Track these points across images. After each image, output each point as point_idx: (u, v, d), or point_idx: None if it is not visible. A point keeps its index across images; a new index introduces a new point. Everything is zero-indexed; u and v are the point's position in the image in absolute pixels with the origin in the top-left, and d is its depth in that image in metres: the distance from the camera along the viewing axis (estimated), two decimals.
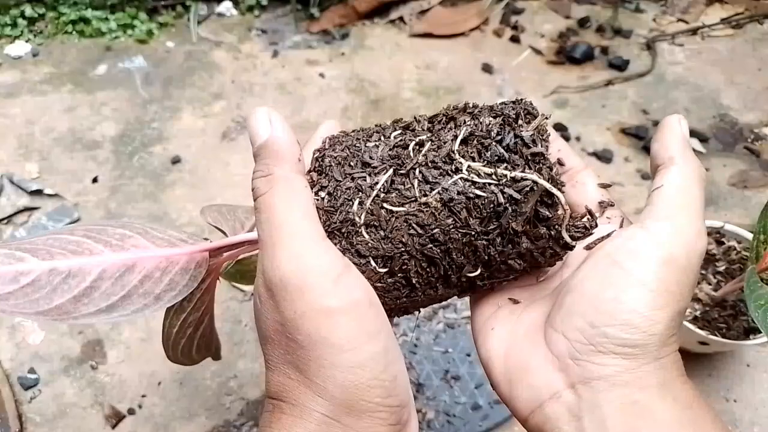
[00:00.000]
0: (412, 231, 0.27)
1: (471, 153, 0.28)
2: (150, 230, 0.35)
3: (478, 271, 0.29)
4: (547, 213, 0.28)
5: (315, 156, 0.31)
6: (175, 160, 1.07)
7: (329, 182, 0.29)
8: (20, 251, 0.31)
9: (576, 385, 0.26)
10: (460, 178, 0.27)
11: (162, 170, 1.06)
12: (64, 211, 0.98)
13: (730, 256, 0.75)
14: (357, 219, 0.28)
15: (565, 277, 0.31)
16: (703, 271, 0.75)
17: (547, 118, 0.29)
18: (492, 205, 0.27)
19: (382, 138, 0.31)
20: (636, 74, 1.25)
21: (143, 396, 0.78)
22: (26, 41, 1.30)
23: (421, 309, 0.32)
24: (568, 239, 0.29)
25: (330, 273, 0.25)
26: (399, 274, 0.28)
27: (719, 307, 0.72)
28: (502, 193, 0.26)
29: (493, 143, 0.27)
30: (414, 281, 0.29)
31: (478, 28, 1.37)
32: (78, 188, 1.03)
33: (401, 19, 1.38)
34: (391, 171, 0.28)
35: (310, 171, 0.31)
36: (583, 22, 1.38)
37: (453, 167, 0.27)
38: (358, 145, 0.30)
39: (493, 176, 0.27)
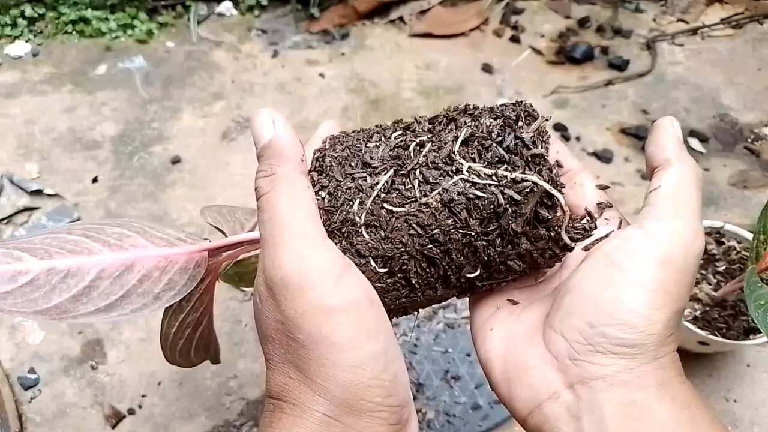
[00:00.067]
0: (412, 231, 0.27)
1: (471, 154, 0.28)
2: (149, 229, 0.35)
3: (478, 272, 0.29)
4: (547, 214, 0.28)
5: (315, 156, 0.31)
6: (175, 160, 1.07)
7: (330, 182, 0.29)
8: (18, 250, 0.31)
9: (575, 385, 0.26)
10: (461, 179, 0.27)
11: (162, 170, 1.06)
12: (64, 211, 0.98)
13: (730, 256, 0.75)
14: (357, 219, 0.28)
15: (563, 278, 0.31)
16: (703, 271, 0.75)
17: (547, 119, 0.29)
18: (492, 206, 0.27)
19: (383, 138, 0.31)
20: (636, 74, 1.25)
21: (143, 396, 0.78)
22: (26, 41, 1.30)
23: (421, 309, 0.32)
24: (567, 241, 0.29)
25: (331, 272, 0.25)
26: (399, 275, 0.28)
27: (719, 307, 0.72)
28: (503, 194, 0.26)
29: (494, 144, 0.28)
30: (414, 281, 0.29)
31: (478, 28, 1.37)
32: (78, 188, 1.03)
33: (401, 19, 1.38)
34: (391, 171, 0.28)
35: (310, 171, 0.31)
36: (583, 22, 1.38)
37: (453, 168, 0.28)
38: (358, 145, 0.30)
39: (494, 177, 0.27)
